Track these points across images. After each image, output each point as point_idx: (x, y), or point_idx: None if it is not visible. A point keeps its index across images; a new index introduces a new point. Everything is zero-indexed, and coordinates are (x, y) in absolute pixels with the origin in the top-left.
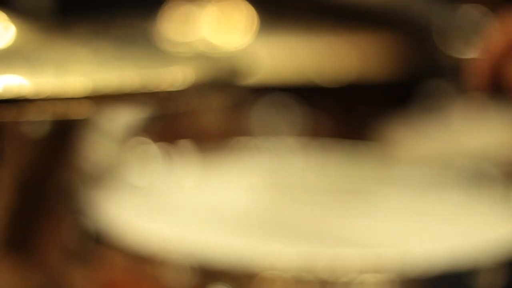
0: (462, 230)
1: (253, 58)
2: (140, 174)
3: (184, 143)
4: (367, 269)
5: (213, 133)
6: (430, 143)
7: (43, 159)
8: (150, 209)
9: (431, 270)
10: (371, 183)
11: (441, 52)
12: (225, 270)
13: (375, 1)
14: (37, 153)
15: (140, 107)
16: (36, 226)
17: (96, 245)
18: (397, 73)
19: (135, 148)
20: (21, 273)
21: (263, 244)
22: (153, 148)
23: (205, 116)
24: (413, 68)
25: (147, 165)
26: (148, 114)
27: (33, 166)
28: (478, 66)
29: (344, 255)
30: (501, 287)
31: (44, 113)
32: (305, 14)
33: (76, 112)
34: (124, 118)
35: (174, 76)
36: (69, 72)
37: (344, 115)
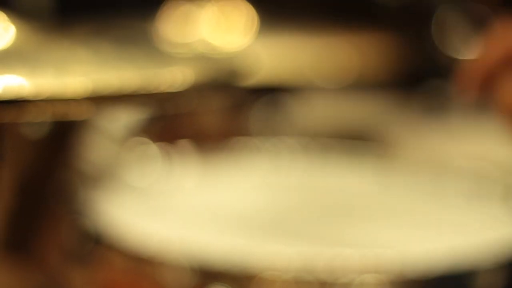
0: (461, 231)
1: (253, 58)
2: (139, 175)
3: (184, 144)
4: (366, 269)
5: (212, 133)
6: (430, 144)
7: (42, 160)
8: (150, 209)
9: (430, 271)
10: (371, 184)
11: (441, 52)
12: (224, 271)
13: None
14: (37, 154)
15: (140, 108)
16: (35, 227)
17: (96, 245)
18: (397, 73)
19: (135, 148)
20: (21, 274)
21: (262, 245)
22: (153, 149)
23: (205, 116)
24: (413, 68)
25: (147, 165)
26: (148, 115)
27: (32, 166)
28: (471, 69)
29: (344, 256)
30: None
31: (44, 114)
32: (305, 14)
33: (75, 113)
34: (123, 119)
35: (173, 77)
36: (68, 73)
37: (344, 115)
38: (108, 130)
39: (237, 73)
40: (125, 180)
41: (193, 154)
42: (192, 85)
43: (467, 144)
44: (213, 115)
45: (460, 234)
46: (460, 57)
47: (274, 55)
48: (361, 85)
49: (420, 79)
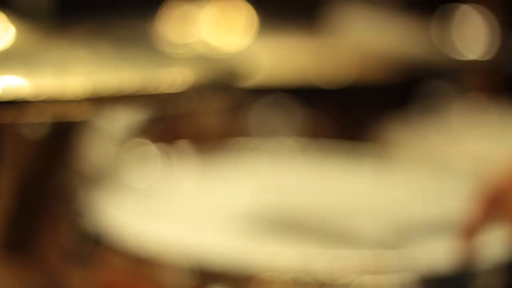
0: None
1: (253, 59)
2: (139, 176)
3: (183, 144)
4: (365, 270)
5: (212, 134)
6: (429, 145)
7: (42, 161)
8: (149, 210)
9: (430, 272)
10: (370, 184)
11: (441, 53)
12: (224, 272)
13: None
14: (37, 155)
15: (139, 108)
16: (35, 227)
17: (95, 246)
18: (396, 74)
19: (134, 149)
20: (21, 274)
21: (261, 246)
22: (152, 150)
23: (204, 117)
24: (413, 69)
25: (146, 166)
26: (147, 115)
27: (32, 167)
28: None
29: (343, 257)
30: None
31: (44, 115)
32: (304, 15)
33: (75, 113)
34: (123, 119)
35: (173, 77)
36: (68, 73)
37: (343, 116)
38: (108, 131)
39: (236, 73)
40: (124, 181)
41: (193, 154)
42: (192, 85)
43: (467, 144)
44: (212, 116)
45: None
46: (460, 59)
47: (273, 55)
48: (360, 86)
49: (419, 80)
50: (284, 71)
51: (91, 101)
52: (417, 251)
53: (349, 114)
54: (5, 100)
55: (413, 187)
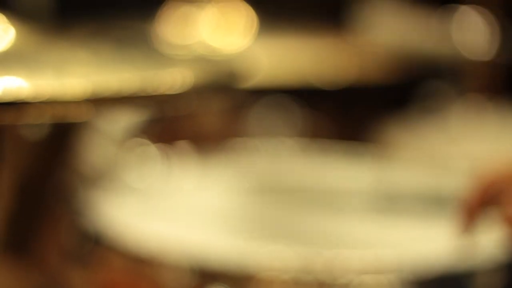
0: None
1: (252, 60)
2: (139, 176)
3: (183, 145)
4: (365, 270)
5: (212, 135)
6: (429, 145)
7: (42, 161)
8: (149, 210)
9: (429, 272)
10: (370, 184)
11: (441, 53)
12: (223, 271)
13: None
14: (37, 155)
15: (139, 109)
16: (35, 228)
17: (95, 246)
18: (396, 74)
19: (134, 149)
20: (21, 274)
21: (261, 245)
22: (152, 150)
23: (204, 118)
24: (412, 70)
25: (146, 166)
26: (147, 116)
27: (32, 168)
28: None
29: (343, 256)
30: None
31: (43, 116)
32: (304, 16)
33: (75, 114)
34: (123, 120)
35: (173, 78)
36: (68, 74)
37: (343, 117)
38: (108, 132)
39: (236, 75)
40: (124, 181)
41: (192, 155)
42: (192, 86)
43: (467, 144)
44: (212, 117)
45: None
46: (460, 59)
47: (273, 56)
48: (360, 87)
49: (419, 81)
50: (283, 72)
51: (91, 102)
52: (417, 250)
53: (349, 115)
54: (5, 101)
55: (412, 187)
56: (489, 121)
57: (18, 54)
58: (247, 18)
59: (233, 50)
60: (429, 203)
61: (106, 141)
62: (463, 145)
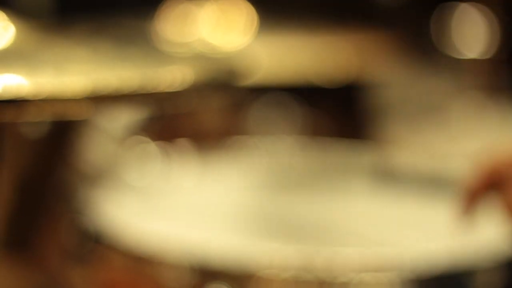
0: (460, 230)
1: (252, 58)
2: (139, 174)
3: (183, 143)
4: (365, 268)
5: (212, 132)
6: (429, 143)
7: (42, 159)
8: (149, 208)
9: (429, 270)
10: (370, 183)
11: (440, 51)
12: (223, 270)
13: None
14: (36, 153)
15: (139, 107)
16: (35, 226)
17: (95, 244)
18: (395, 73)
19: (134, 147)
20: (21, 273)
21: (261, 244)
22: (152, 148)
23: (204, 116)
24: (412, 68)
25: (146, 164)
26: (147, 114)
27: (32, 166)
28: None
29: (343, 255)
30: (499, 287)
31: (43, 114)
32: (304, 14)
33: (75, 112)
34: (123, 118)
35: (172, 76)
36: (68, 72)
37: (343, 115)
38: (108, 130)
39: (236, 72)
40: (124, 179)
41: (192, 153)
42: (191, 84)
43: (467, 142)
44: (212, 114)
45: (459, 233)
46: (459, 57)
47: (273, 54)
48: (360, 84)
49: (418, 79)
50: (284, 69)
51: (91, 100)
52: (417, 249)
53: (349, 113)
54: (5, 99)
55: (412, 186)
56: (489, 118)
57: (18, 52)
58: (247, 16)
59: (233, 48)
60: (430, 190)
61: (106, 139)
62: (463, 143)
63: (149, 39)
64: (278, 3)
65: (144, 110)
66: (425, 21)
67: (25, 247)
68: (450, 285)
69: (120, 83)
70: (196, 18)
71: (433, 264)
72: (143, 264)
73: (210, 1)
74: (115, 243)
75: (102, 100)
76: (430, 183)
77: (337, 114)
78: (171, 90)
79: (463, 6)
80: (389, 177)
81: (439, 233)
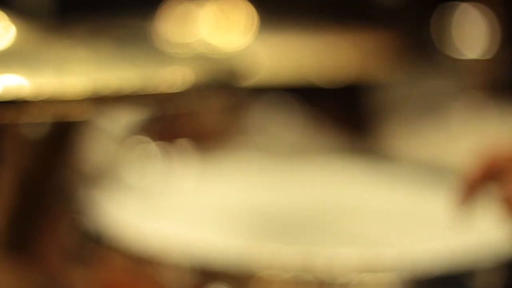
0: (460, 231)
1: (253, 58)
2: (139, 175)
3: (184, 143)
4: (365, 269)
5: (212, 133)
6: (429, 143)
7: (43, 160)
8: (150, 209)
9: (429, 270)
10: (370, 183)
11: (440, 51)
12: (224, 270)
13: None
14: (37, 154)
15: (140, 108)
16: (36, 227)
17: (96, 245)
18: (396, 73)
19: (135, 148)
20: (21, 274)
21: (261, 244)
22: (153, 148)
23: (205, 116)
24: (412, 68)
25: (147, 165)
26: (148, 115)
27: (33, 167)
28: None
29: (343, 255)
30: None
31: (44, 115)
32: (305, 14)
33: (76, 113)
34: (124, 119)
35: (173, 77)
36: (68, 73)
37: (344, 115)
38: (108, 130)
39: (236, 73)
40: (125, 180)
41: (193, 153)
42: (192, 85)
43: (467, 142)
44: (212, 115)
45: (459, 233)
46: (459, 57)
47: (274, 54)
48: (361, 85)
49: (419, 79)
50: (284, 70)
51: (91, 100)
52: (417, 249)
53: (349, 113)
54: (6, 99)
55: (412, 186)
56: (489, 118)
57: (18, 53)
58: (247, 16)
59: (233, 48)
60: (429, 202)
61: (107, 139)
62: (463, 144)
63: (149, 39)
64: (279, 3)
65: (144, 111)
66: (426, 21)
67: (25, 247)
68: (450, 285)
69: (121, 83)
70: (197, 18)
71: (433, 265)
72: (143, 264)
73: (210, 2)
74: (116, 243)
75: (103, 100)
76: (430, 178)
77: (337, 114)
78: (171, 91)
79: (464, 6)
80: (389, 176)
81: (439, 232)
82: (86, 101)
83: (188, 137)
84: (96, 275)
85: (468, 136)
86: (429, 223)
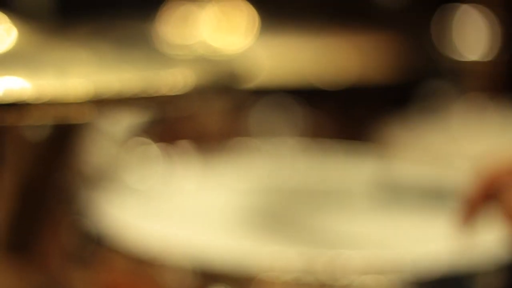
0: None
1: (254, 60)
2: (140, 176)
3: (185, 145)
4: (366, 270)
5: (213, 135)
6: (429, 145)
7: (44, 162)
8: (151, 211)
9: (430, 273)
10: (371, 185)
11: (440, 53)
12: (225, 272)
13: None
14: (38, 156)
15: (141, 110)
16: (37, 229)
17: (97, 247)
18: (396, 74)
19: (136, 150)
20: (22, 275)
21: (262, 246)
22: (154, 150)
23: (206, 118)
24: (413, 70)
25: (148, 167)
26: (149, 117)
27: (34, 169)
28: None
29: (344, 257)
30: None
31: (45, 117)
32: (305, 15)
33: (77, 115)
34: (125, 121)
35: (174, 79)
36: (70, 75)
37: (344, 117)
38: (110, 133)
39: (237, 75)
40: (126, 182)
41: (194, 155)
42: (193, 87)
43: (467, 144)
44: (214, 117)
45: (459, 243)
46: (459, 59)
47: (274, 56)
48: (361, 87)
49: (419, 81)
50: (285, 71)
51: (93, 103)
52: (418, 251)
53: (350, 115)
54: (7, 102)
55: (413, 187)
56: (490, 120)
57: (20, 55)
58: (248, 18)
59: (234, 50)
60: (431, 198)
61: (108, 142)
62: (464, 145)
63: (150, 41)
64: (279, 5)
65: (145, 113)
66: (426, 22)
67: (26, 249)
68: (451, 287)
69: (122, 86)
70: (197, 20)
71: (434, 267)
72: (144, 266)
73: (211, 3)
74: (117, 245)
75: (104, 103)
76: (431, 191)
77: (338, 116)
78: (172, 93)
79: (464, 7)
80: (391, 182)
81: (439, 237)
82: (87, 103)
83: (189, 139)
84: (96, 276)
85: (469, 138)
86: (430, 224)
